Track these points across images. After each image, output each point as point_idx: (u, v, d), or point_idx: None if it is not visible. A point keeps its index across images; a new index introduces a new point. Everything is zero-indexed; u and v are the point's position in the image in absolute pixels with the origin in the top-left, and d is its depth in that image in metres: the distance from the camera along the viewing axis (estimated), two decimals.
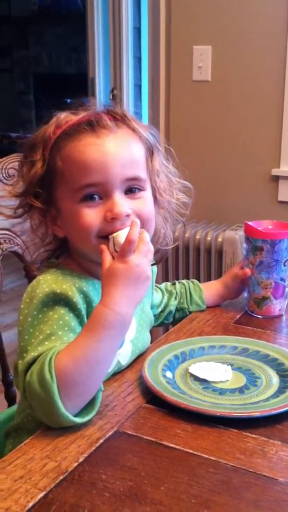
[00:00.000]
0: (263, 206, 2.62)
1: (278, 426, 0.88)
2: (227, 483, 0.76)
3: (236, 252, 2.48)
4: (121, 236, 0.93)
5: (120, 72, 3.26)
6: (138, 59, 3.38)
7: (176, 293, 1.31)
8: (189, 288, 1.32)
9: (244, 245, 1.30)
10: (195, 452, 0.82)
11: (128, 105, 3.20)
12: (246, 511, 0.72)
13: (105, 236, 0.96)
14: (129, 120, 1.02)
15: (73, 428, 0.87)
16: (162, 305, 1.29)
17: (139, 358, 1.10)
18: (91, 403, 0.88)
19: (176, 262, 2.66)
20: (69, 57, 6.94)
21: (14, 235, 1.33)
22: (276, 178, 2.60)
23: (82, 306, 0.96)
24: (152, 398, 0.95)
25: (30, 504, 0.72)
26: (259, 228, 1.27)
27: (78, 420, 0.86)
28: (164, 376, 1.00)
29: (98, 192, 0.96)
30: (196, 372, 1.02)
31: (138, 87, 3.44)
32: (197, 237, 2.60)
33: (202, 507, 0.72)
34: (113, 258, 0.93)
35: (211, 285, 1.35)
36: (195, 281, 1.34)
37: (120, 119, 1.01)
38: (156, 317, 1.28)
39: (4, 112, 7.09)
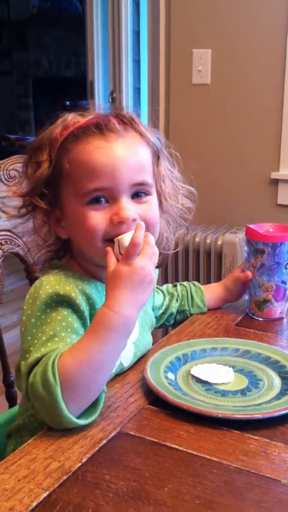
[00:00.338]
0: (262, 209, 2.62)
1: (280, 428, 0.88)
2: (230, 484, 0.76)
3: (236, 255, 2.49)
4: (126, 238, 0.93)
5: (119, 75, 3.26)
6: (137, 62, 3.39)
7: (178, 295, 1.31)
8: (191, 290, 1.32)
9: (245, 248, 1.30)
10: (198, 454, 0.82)
11: (127, 109, 3.20)
12: None
13: (110, 239, 0.96)
14: (137, 124, 1.02)
15: (76, 429, 0.87)
16: (164, 307, 1.29)
17: (141, 360, 1.11)
18: (94, 405, 0.88)
19: (176, 265, 2.66)
20: (68, 60, 6.96)
21: (15, 236, 1.33)
22: (276, 182, 2.61)
23: (85, 308, 0.96)
24: (154, 399, 0.95)
25: (34, 504, 0.72)
26: (260, 231, 1.28)
27: (81, 421, 0.86)
28: (166, 377, 1.00)
29: (105, 196, 0.97)
30: (198, 374, 1.02)
31: (137, 90, 3.44)
32: (197, 240, 2.61)
33: (206, 508, 0.72)
34: (118, 261, 0.93)
35: (212, 287, 1.35)
36: (197, 283, 1.34)
37: (128, 123, 1.01)
38: (157, 319, 1.28)
39: (3, 115, 7.11)
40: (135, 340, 1.09)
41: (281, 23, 2.48)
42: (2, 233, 1.30)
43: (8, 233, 1.32)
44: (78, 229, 0.99)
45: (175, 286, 1.33)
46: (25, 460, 0.81)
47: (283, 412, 0.90)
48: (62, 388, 0.84)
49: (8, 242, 1.32)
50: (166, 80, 2.81)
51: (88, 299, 0.98)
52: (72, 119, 1.01)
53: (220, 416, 0.89)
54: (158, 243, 1.07)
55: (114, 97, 3.27)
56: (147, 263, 0.91)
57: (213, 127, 2.72)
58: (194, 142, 2.75)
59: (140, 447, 0.84)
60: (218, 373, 1.03)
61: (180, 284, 1.34)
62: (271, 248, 1.24)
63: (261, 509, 0.72)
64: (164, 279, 2.67)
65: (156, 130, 1.08)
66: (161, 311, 1.29)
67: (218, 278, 2.55)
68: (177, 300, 1.31)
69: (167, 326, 1.33)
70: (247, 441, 0.86)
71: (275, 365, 1.06)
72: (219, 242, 2.56)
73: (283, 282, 1.28)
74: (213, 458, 0.81)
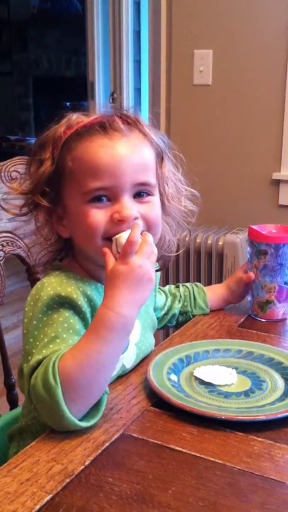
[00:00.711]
0: (264, 210, 2.62)
1: (284, 430, 0.88)
2: (234, 486, 0.76)
3: (237, 256, 2.48)
4: (123, 237, 0.93)
5: (120, 76, 3.25)
6: (138, 63, 3.38)
7: (180, 296, 1.31)
8: (193, 292, 1.31)
9: (248, 249, 1.30)
10: (201, 456, 0.82)
11: (129, 109, 3.20)
12: None
13: (110, 238, 0.95)
14: (141, 124, 1.01)
15: (79, 431, 0.86)
16: (166, 308, 1.29)
17: (143, 361, 1.10)
18: (96, 407, 0.88)
19: (177, 265, 2.66)
20: (68, 60, 6.95)
21: (16, 238, 1.33)
22: (277, 182, 2.60)
23: (86, 309, 0.96)
24: (157, 401, 0.95)
25: (37, 507, 0.72)
26: (263, 232, 1.27)
27: (83, 424, 0.86)
28: (169, 379, 1.00)
29: (107, 195, 0.96)
30: (201, 375, 1.02)
31: (138, 90, 3.43)
32: (198, 240, 2.60)
33: (210, 510, 0.72)
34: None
35: (215, 288, 1.35)
36: (199, 284, 1.34)
37: (132, 123, 1.00)
38: (160, 320, 1.28)
39: (3, 115, 7.10)
40: (137, 341, 1.09)
41: (282, 23, 2.47)
42: (4, 234, 1.30)
43: (9, 235, 1.31)
44: (79, 227, 0.98)
45: (177, 287, 1.33)
46: (27, 463, 0.80)
47: (287, 413, 0.89)
48: (63, 390, 0.83)
49: (10, 244, 1.32)
50: (167, 80, 2.81)
51: (90, 300, 0.97)
52: (77, 118, 1.01)
53: (223, 417, 0.89)
54: (160, 246, 1.07)
55: (114, 97, 3.27)
56: (145, 261, 0.91)
57: (214, 127, 2.72)
58: (195, 143, 2.75)
59: (144, 449, 0.84)
60: (221, 374, 1.02)
61: (182, 285, 1.33)
62: (274, 249, 1.24)
63: (266, 511, 0.72)
64: (165, 280, 2.67)
65: (163, 133, 1.08)
66: (163, 312, 1.28)
67: (220, 279, 2.54)
68: (179, 301, 1.30)
69: (170, 327, 1.33)
70: (251, 443, 0.85)
71: (278, 366, 1.05)
72: (220, 243, 2.56)
73: (286, 283, 1.27)
74: (216, 460, 0.81)
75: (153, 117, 2.59)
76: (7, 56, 7.24)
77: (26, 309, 0.96)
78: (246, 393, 0.98)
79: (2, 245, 1.30)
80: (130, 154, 0.97)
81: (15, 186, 1.10)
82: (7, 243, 1.31)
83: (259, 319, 1.30)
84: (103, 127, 0.97)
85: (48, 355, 0.88)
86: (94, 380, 0.86)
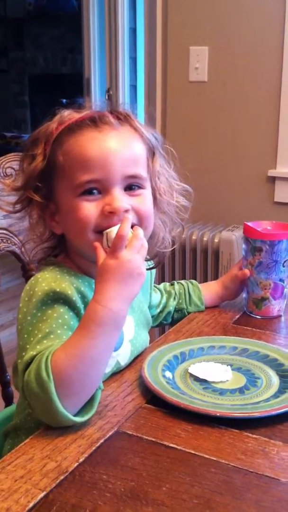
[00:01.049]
0: (259, 207, 2.62)
1: (279, 427, 0.88)
2: (229, 484, 0.76)
3: (233, 253, 2.48)
4: (114, 231, 0.92)
5: (116, 73, 3.25)
6: (133, 60, 3.38)
7: (175, 293, 1.30)
8: (188, 289, 1.31)
9: (243, 246, 1.30)
10: (196, 453, 0.82)
11: (124, 105, 3.19)
12: (248, 511, 0.71)
13: (102, 232, 0.95)
14: (132, 120, 1.02)
15: (73, 428, 0.86)
16: (161, 306, 1.29)
17: (138, 358, 1.10)
18: (90, 402, 0.88)
19: (173, 263, 2.66)
20: (64, 58, 6.94)
21: (11, 235, 1.32)
22: (273, 179, 2.60)
23: (80, 305, 0.96)
24: (151, 398, 0.95)
25: (31, 504, 0.72)
26: (258, 229, 1.27)
27: (77, 419, 0.85)
28: (164, 376, 0.99)
29: (98, 188, 0.96)
30: (196, 372, 1.01)
31: (133, 87, 3.43)
32: (194, 238, 2.60)
33: (204, 507, 0.71)
34: None
35: (210, 285, 1.35)
36: (194, 281, 1.34)
37: (123, 118, 1.01)
38: (155, 317, 1.27)
39: None
40: (131, 338, 1.08)
41: (278, 20, 2.47)
42: None
43: (4, 232, 1.31)
44: (71, 221, 0.98)
45: (172, 284, 1.33)
46: (21, 460, 0.80)
47: (282, 410, 0.89)
48: (56, 385, 0.83)
49: (4, 241, 1.31)
50: (163, 77, 2.80)
51: (83, 297, 0.97)
52: (68, 115, 1.01)
53: (218, 414, 0.88)
54: (154, 242, 1.07)
55: (110, 94, 3.26)
56: (135, 256, 0.91)
57: (210, 124, 2.72)
58: (191, 139, 2.75)
59: (138, 446, 0.83)
60: (216, 371, 1.02)
61: (177, 282, 1.33)
62: (269, 246, 1.24)
63: (260, 508, 0.72)
64: (161, 277, 2.66)
65: (156, 131, 1.08)
66: (158, 310, 1.28)
67: (215, 276, 2.54)
68: (174, 298, 1.30)
69: (165, 324, 1.33)
70: (246, 439, 0.85)
71: (273, 363, 1.05)
72: (216, 240, 2.56)
73: (281, 280, 1.27)
74: (211, 457, 0.81)
75: (149, 114, 2.60)
76: (3, 53, 7.23)
77: (21, 304, 0.96)
78: (241, 390, 0.98)
79: None
80: (121, 147, 0.97)
81: (8, 182, 1.10)
82: (1, 239, 1.30)
83: (254, 316, 1.29)
84: (94, 121, 0.98)
85: (41, 351, 0.88)
86: (86, 375, 0.86)
